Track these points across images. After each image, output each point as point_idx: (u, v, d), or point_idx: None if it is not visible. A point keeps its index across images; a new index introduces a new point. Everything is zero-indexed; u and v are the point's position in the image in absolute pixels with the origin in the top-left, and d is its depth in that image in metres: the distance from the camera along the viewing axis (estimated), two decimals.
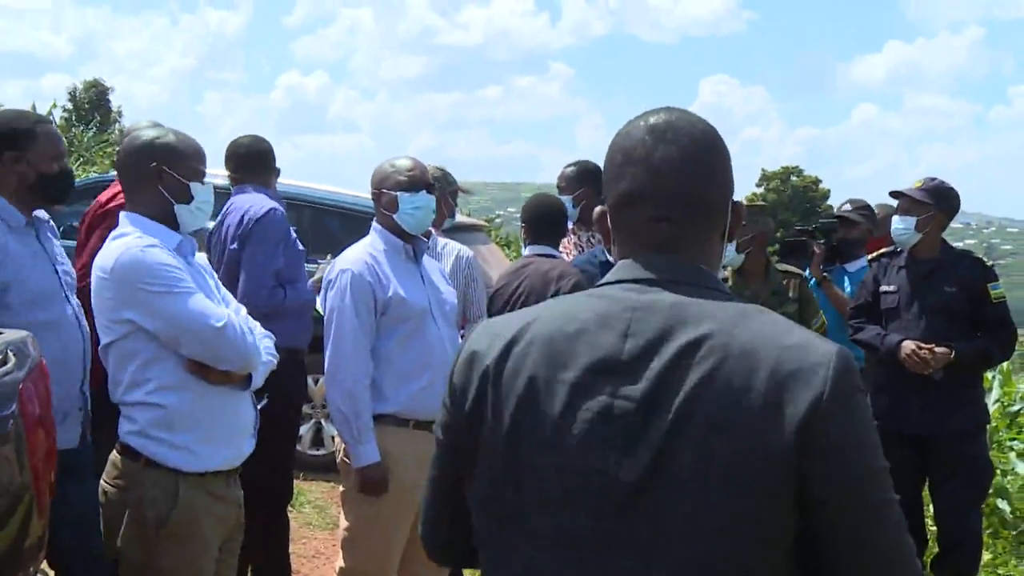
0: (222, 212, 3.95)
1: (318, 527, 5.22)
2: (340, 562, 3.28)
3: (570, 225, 4.52)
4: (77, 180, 4.22)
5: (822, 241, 5.15)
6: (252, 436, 2.71)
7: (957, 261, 4.13)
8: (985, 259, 4.25)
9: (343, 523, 3.26)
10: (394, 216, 3.21)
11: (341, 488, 3.31)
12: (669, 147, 1.27)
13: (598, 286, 1.31)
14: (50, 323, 2.68)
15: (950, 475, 4.06)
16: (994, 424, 6.39)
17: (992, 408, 6.51)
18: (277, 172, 4.18)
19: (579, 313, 1.26)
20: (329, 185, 7.04)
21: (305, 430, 5.86)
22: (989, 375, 6.97)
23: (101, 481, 2.62)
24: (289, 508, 4.11)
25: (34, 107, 19.86)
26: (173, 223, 2.62)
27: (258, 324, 2.80)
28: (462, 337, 2.79)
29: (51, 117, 19.88)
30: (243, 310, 2.78)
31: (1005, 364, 6.98)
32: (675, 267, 1.26)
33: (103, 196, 3.69)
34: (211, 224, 3.92)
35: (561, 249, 4.43)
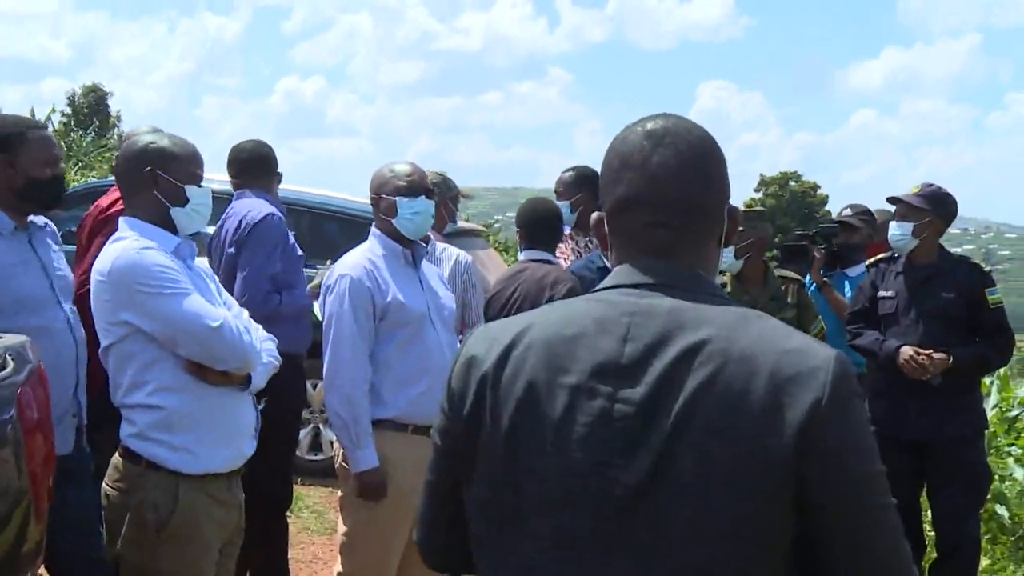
0: (222, 217, 3.96)
1: (316, 532, 5.21)
2: (338, 567, 3.28)
3: (568, 230, 4.52)
4: (76, 185, 4.22)
5: (823, 246, 5.15)
6: (253, 437, 2.72)
7: (955, 267, 4.13)
8: (983, 265, 4.25)
9: (341, 528, 3.26)
10: (393, 221, 3.21)
11: (339, 493, 3.31)
12: (666, 152, 1.28)
13: (596, 291, 1.31)
14: (41, 329, 2.68)
15: (948, 480, 4.06)
16: (992, 429, 6.38)
17: (990, 413, 6.51)
18: (279, 177, 4.19)
19: (577, 317, 1.26)
20: (328, 190, 7.05)
21: (303, 435, 5.86)
22: (987, 380, 6.97)
23: (103, 484, 2.62)
24: (287, 513, 4.11)
25: (33, 112, 19.87)
26: (171, 226, 2.64)
27: (260, 327, 2.81)
28: (460, 342, 2.80)
29: (50, 122, 19.90)
30: (245, 313, 2.79)
31: (1003, 370, 6.98)
32: (673, 272, 1.27)
33: (103, 201, 3.69)
34: (211, 229, 3.93)
35: (559, 254, 4.42)
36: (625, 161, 1.30)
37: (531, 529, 1.23)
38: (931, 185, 4.16)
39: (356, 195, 6.68)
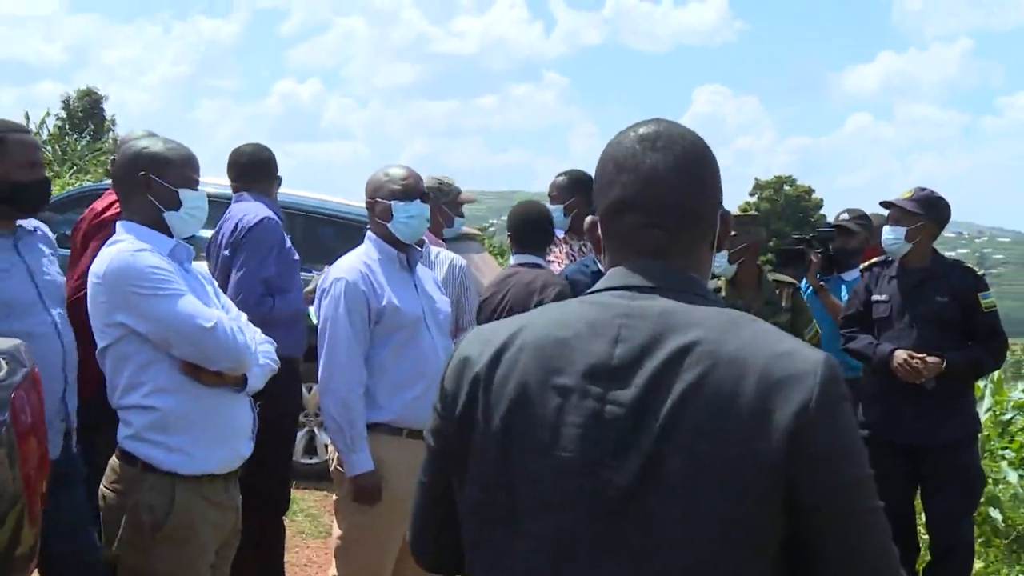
0: (220, 220, 3.96)
1: (311, 536, 5.21)
2: (333, 571, 3.28)
3: (561, 234, 4.52)
4: (71, 189, 4.21)
5: (819, 250, 5.16)
6: (250, 439, 2.72)
7: (948, 271, 4.15)
8: (976, 269, 4.27)
9: (336, 532, 3.26)
10: (388, 225, 3.22)
11: (334, 497, 3.31)
12: (659, 156, 1.29)
13: (589, 293, 1.32)
14: (26, 333, 2.66)
15: (942, 484, 4.08)
16: (986, 433, 6.40)
17: (984, 417, 6.53)
18: (279, 181, 4.19)
19: (570, 319, 1.27)
20: (323, 194, 7.05)
21: (298, 438, 5.86)
22: (981, 384, 6.99)
23: (101, 486, 2.63)
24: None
25: (27, 115, 19.83)
26: (167, 230, 2.67)
27: (259, 331, 2.82)
28: (455, 346, 2.80)
29: (44, 125, 19.88)
30: (243, 316, 2.80)
31: (997, 373, 7.01)
32: (666, 274, 1.28)
33: (98, 204, 3.69)
34: (207, 233, 3.93)
35: (553, 258, 4.42)
36: (619, 165, 1.31)
37: (524, 530, 1.23)
38: (924, 189, 4.18)
39: (351, 199, 6.68)
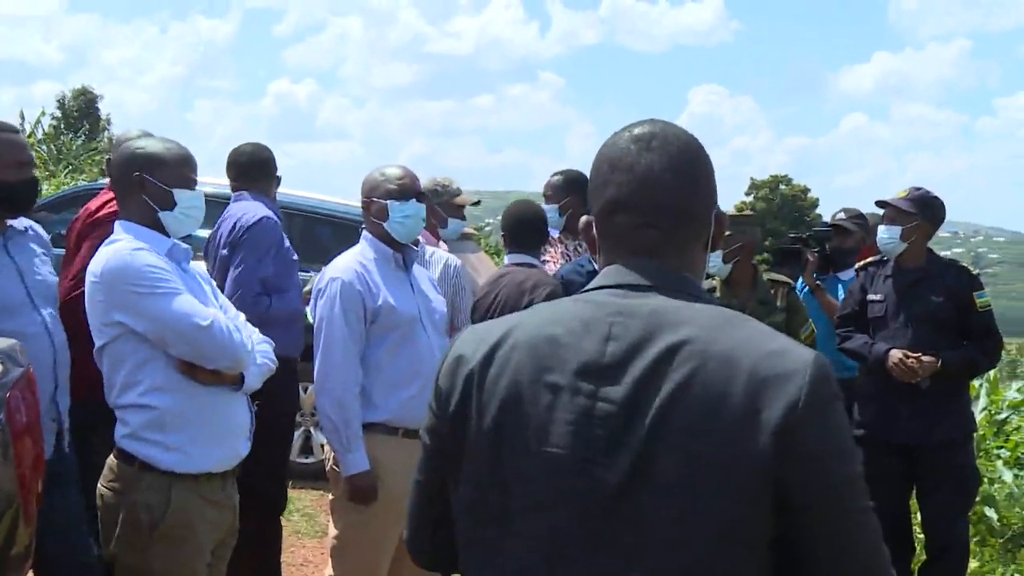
0: (219, 219, 3.96)
1: (307, 535, 5.21)
2: (329, 570, 3.28)
3: (556, 234, 4.52)
4: (66, 188, 4.20)
5: (816, 249, 5.16)
6: (247, 438, 2.73)
7: (943, 270, 4.15)
8: (972, 268, 4.27)
9: (332, 531, 3.26)
10: (384, 224, 3.22)
11: (330, 496, 3.31)
12: (654, 156, 1.30)
13: (584, 291, 1.32)
14: (15, 333, 2.66)
15: (938, 484, 4.08)
16: (981, 432, 6.42)
17: (979, 416, 6.54)
18: (278, 181, 4.19)
19: (563, 318, 1.27)
20: (319, 193, 7.04)
21: (295, 438, 5.85)
22: (976, 383, 7.00)
23: (99, 485, 2.63)
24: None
25: (22, 115, 19.79)
26: (163, 230, 2.67)
27: (256, 330, 2.82)
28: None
29: (40, 125, 19.82)
30: (241, 316, 2.80)
31: (992, 372, 7.02)
32: (660, 273, 1.28)
33: (92, 204, 3.68)
34: (204, 232, 3.92)
35: (548, 258, 4.42)
36: (614, 165, 1.32)
37: (517, 529, 1.23)
38: (919, 189, 4.18)
39: (348, 198, 6.67)
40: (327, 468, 3.28)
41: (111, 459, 2.62)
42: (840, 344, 4.29)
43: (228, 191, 4.17)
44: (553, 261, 4.44)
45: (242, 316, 2.82)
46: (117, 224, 2.68)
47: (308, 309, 3.61)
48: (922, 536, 4.35)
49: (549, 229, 4.12)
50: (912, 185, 4.23)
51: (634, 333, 1.21)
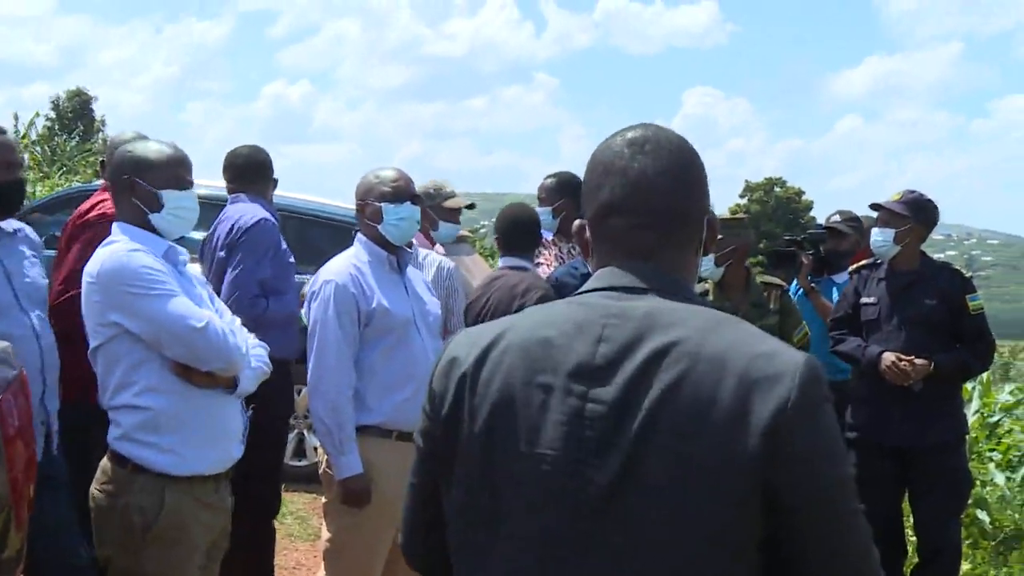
0: (215, 221, 3.95)
1: (300, 538, 5.20)
2: (322, 573, 3.27)
3: (550, 237, 4.52)
4: (60, 190, 4.19)
5: (810, 252, 5.17)
6: (241, 441, 2.73)
7: (936, 273, 4.16)
8: (965, 271, 4.28)
9: (325, 534, 3.25)
10: (378, 227, 3.21)
11: (323, 499, 3.31)
12: (647, 160, 1.30)
13: (577, 294, 1.32)
14: (2, 336, 2.65)
15: (930, 486, 4.09)
16: (973, 435, 6.43)
17: (971, 419, 6.55)
18: (274, 183, 4.18)
19: (556, 320, 1.28)
20: (314, 195, 7.03)
21: (288, 441, 5.84)
22: (969, 386, 7.02)
23: (92, 487, 2.63)
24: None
25: (16, 116, 19.72)
26: (157, 232, 2.67)
27: (252, 335, 2.82)
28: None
29: (33, 126, 19.76)
30: (237, 321, 2.80)
31: (984, 375, 7.04)
32: (656, 275, 1.28)
33: (83, 206, 3.68)
34: (198, 235, 3.92)
35: (542, 261, 4.42)
36: (607, 168, 1.32)
37: (509, 531, 1.23)
38: (913, 192, 4.19)
39: (342, 201, 6.66)
40: (320, 471, 3.28)
41: (104, 461, 2.62)
42: (833, 347, 4.30)
43: (221, 193, 4.16)
44: (547, 264, 4.44)
45: (238, 320, 2.82)
46: (114, 226, 2.69)
47: (302, 312, 3.61)
48: (914, 539, 4.36)
49: (543, 232, 4.12)
50: (906, 188, 4.25)
51: (626, 335, 1.21)
